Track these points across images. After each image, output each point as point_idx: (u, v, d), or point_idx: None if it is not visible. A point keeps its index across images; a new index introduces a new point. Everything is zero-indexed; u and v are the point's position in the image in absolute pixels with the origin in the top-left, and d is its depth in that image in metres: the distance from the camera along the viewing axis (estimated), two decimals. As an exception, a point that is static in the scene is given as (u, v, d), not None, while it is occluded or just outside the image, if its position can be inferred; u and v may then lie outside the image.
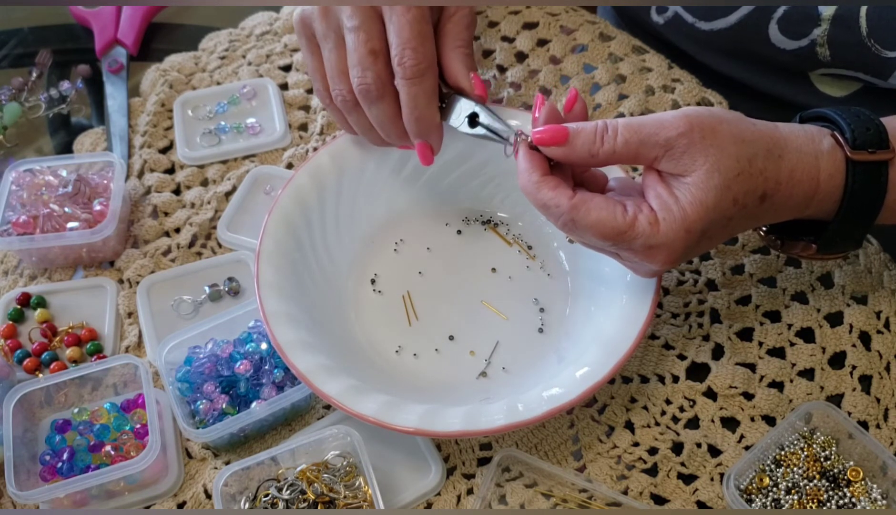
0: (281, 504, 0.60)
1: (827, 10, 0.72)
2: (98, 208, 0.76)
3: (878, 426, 0.65)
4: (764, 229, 0.66)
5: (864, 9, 0.70)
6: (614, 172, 0.65)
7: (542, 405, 0.60)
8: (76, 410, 0.67)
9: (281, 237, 0.68)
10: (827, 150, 0.58)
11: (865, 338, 0.69)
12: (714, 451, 0.65)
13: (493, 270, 0.73)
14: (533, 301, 0.71)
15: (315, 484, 0.61)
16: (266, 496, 0.61)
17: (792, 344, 0.69)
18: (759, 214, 0.58)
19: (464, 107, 0.64)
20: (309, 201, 0.71)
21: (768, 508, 0.61)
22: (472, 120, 0.64)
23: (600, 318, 0.66)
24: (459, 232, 0.75)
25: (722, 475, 0.64)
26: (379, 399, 0.60)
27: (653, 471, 0.64)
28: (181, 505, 0.64)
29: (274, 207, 0.69)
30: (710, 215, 0.55)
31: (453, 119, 0.65)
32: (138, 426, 0.66)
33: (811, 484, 0.61)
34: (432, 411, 0.60)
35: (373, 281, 0.72)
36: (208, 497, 0.64)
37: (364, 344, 0.69)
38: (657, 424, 0.66)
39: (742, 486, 0.62)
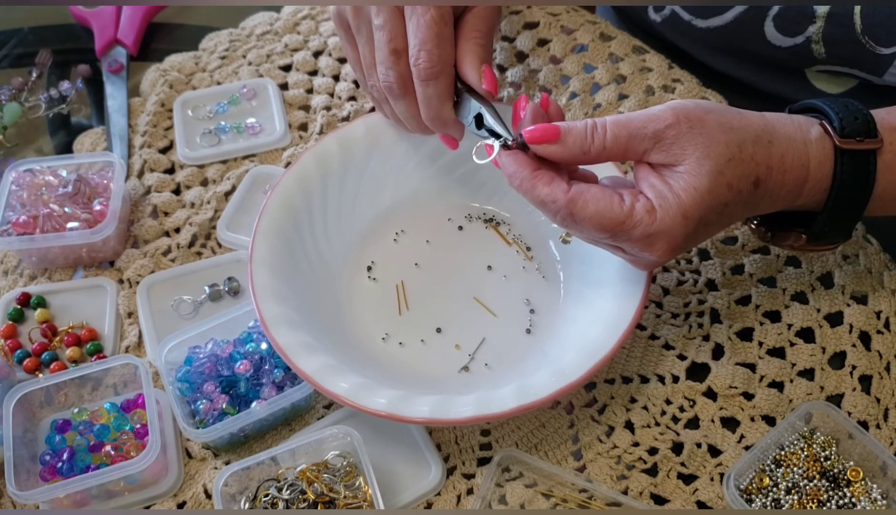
0: (281, 504, 0.60)
1: (822, 8, 0.73)
2: (98, 208, 0.76)
3: (878, 427, 0.65)
4: (755, 221, 0.66)
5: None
6: (606, 172, 0.65)
7: (510, 402, 0.59)
8: (76, 410, 0.67)
9: (280, 217, 0.69)
10: (815, 138, 0.59)
11: (865, 338, 0.69)
12: (714, 451, 0.65)
13: (489, 267, 0.73)
14: (524, 302, 0.71)
15: (315, 484, 0.61)
16: (266, 496, 0.61)
17: (792, 344, 0.69)
18: (753, 200, 0.58)
19: (472, 107, 0.64)
20: (312, 184, 0.72)
21: (768, 508, 0.61)
22: (479, 121, 0.64)
23: (586, 321, 0.66)
24: (461, 228, 0.75)
25: (722, 475, 0.64)
26: (353, 380, 0.61)
27: (653, 471, 0.64)
28: (181, 505, 0.64)
29: (276, 186, 0.70)
30: (705, 200, 0.55)
31: (464, 118, 0.65)
32: (138, 426, 0.66)
33: (811, 484, 0.61)
34: (402, 397, 0.60)
35: (369, 268, 0.73)
36: (208, 497, 0.64)
37: (351, 328, 0.69)
38: (657, 424, 0.66)
39: (742, 486, 0.62)
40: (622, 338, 0.62)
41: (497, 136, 0.60)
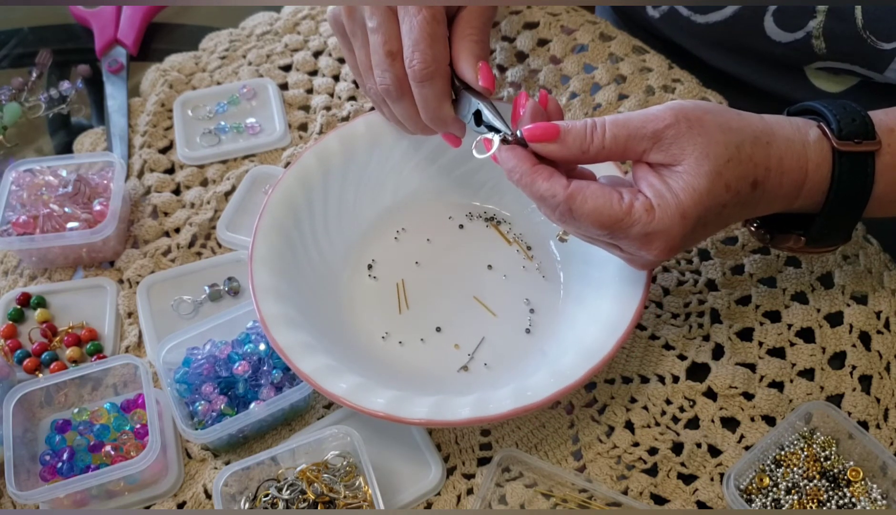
0: (281, 504, 0.60)
1: None
2: (98, 208, 0.76)
3: (878, 427, 0.65)
4: (755, 223, 0.66)
5: None
6: (606, 171, 0.65)
7: (508, 404, 0.59)
8: (76, 410, 0.67)
9: (281, 215, 0.69)
10: (814, 140, 0.59)
11: (865, 338, 0.69)
12: (714, 451, 0.65)
13: (490, 267, 0.73)
14: (524, 301, 0.71)
15: (315, 484, 0.61)
16: (266, 496, 0.61)
17: (792, 344, 0.69)
18: (751, 201, 0.58)
19: (471, 104, 0.63)
20: (313, 182, 0.72)
21: (768, 508, 0.61)
22: (478, 118, 0.63)
23: (585, 322, 0.66)
24: (461, 226, 0.75)
25: (722, 475, 0.64)
26: (351, 380, 0.61)
27: (653, 471, 0.64)
28: (181, 505, 0.64)
29: (278, 184, 0.71)
30: (703, 200, 0.55)
31: (463, 115, 0.65)
32: (138, 426, 0.66)
33: (811, 484, 0.61)
34: (401, 398, 0.60)
35: (370, 266, 0.73)
36: (208, 497, 0.64)
37: (351, 326, 0.69)
38: (657, 424, 0.66)
39: (742, 486, 0.62)
40: (621, 339, 0.62)
41: (497, 131, 0.60)
